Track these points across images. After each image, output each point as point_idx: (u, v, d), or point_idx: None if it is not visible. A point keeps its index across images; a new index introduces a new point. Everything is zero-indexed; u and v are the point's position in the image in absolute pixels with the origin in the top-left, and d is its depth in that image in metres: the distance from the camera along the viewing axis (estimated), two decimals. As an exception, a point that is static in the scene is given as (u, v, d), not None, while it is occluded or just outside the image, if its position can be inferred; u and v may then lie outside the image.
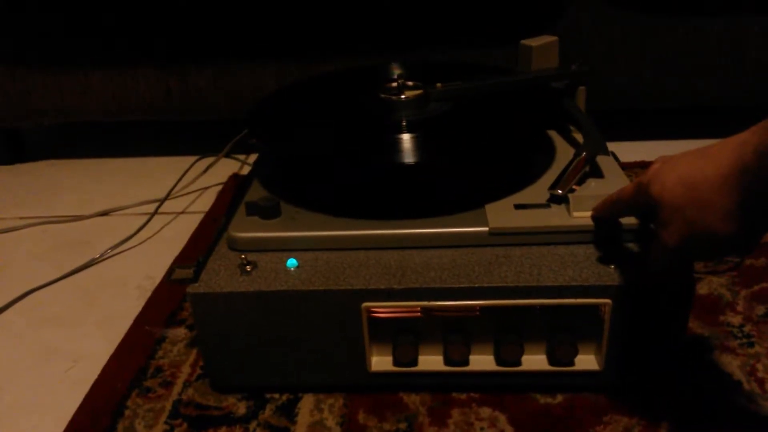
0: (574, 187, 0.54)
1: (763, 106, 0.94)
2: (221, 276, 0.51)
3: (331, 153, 0.58)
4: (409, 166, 0.54)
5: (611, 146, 0.66)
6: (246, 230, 0.54)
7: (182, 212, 0.91)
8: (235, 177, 0.98)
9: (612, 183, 0.58)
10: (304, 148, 0.59)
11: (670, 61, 0.93)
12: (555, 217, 0.53)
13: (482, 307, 0.50)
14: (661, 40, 0.92)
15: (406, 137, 0.58)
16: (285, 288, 0.50)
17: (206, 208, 0.90)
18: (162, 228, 0.87)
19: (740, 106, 0.97)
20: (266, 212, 0.55)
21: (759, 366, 0.55)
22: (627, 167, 0.93)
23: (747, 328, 0.59)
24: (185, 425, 0.53)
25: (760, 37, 0.91)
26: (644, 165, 0.93)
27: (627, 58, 0.94)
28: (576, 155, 0.57)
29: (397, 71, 0.71)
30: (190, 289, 0.50)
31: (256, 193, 0.60)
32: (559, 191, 0.53)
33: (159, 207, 0.87)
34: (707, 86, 0.95)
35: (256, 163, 0.69)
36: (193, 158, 1.00)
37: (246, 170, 1.00)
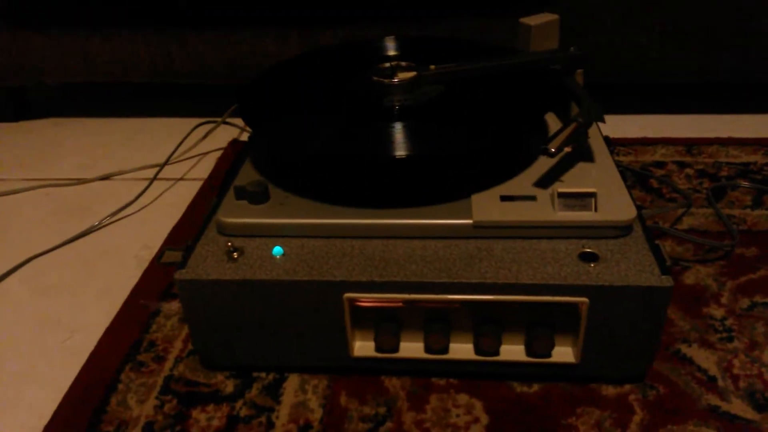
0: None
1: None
2: (208, 262, 0.52)
3: (318, 141, 0.58)
4: (396, 157, 0.54)
5: (612, 119, 0.65)
6: (234, 215, 0.55)
7: (181, 178, 0.92)
8: (234, 143, 0.98)
9: (600, 169, 0.58)
10: (290, 134, 0.59)
11: (678, 37, 0.91)
12: (539, 212, 0.53)
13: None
14: (668, 14, 0.89)
15: (395, 127, 0.58)
16: (269, 278, 0.51)
17: (205, 174, 0.91)
18: (161, 194, 0.88)
19: (750, 83, 0.95)
20: (255, 197, 0.56)
21: (736, 362, 0.55)
22: (628, 143, 0.92)
23: (728, 322, 0.59)
24: (175, 401, 0.55)
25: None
26: (646, 142, 0.92)
27: (634, 32, 0.91)
28: (571, 120, 0.56)
29: (392, 48, 0.70)
30: (178, 275, 0.51)
31: (246, 175, 0.60)
32: (552, 149, 0.53)
33: (158, 173, 0.88)
34: (717, 62, 0.92)
35: (249, 138, 0.70)
36: (194, 120, 1.00)
37: (245, 136, 1.00)
